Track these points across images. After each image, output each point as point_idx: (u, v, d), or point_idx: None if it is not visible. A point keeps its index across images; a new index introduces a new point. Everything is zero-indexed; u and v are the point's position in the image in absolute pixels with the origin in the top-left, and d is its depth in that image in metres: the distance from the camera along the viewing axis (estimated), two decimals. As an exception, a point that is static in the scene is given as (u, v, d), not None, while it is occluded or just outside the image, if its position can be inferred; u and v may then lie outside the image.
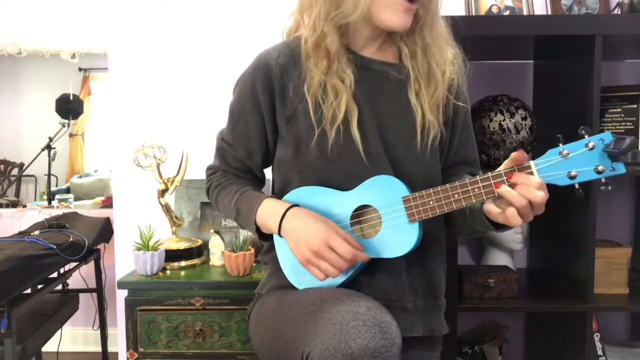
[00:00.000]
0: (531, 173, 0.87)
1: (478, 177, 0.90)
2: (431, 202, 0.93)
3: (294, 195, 1.02)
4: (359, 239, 0.97)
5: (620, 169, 0.82)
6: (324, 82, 0.99)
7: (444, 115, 1.04)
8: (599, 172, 0.83)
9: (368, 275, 1.00)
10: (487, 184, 0.89)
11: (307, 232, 0.93)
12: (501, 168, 0.90)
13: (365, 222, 1.00)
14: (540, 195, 0.85)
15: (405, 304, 1.02)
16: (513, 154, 0.87)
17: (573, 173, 0.84)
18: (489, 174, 0.90)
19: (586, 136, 0.84)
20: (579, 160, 0.84)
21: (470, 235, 1.19)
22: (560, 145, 0.85)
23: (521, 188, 0.86)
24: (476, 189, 0.90)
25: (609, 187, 0.83)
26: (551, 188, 0.87)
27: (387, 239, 0.96)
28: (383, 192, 0.96)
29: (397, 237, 0.95)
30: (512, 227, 0.91)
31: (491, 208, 0.91)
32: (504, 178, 0.88)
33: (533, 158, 0.88)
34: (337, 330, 0.80)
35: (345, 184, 1.00)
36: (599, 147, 0.82)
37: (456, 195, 0.91)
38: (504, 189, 0.86)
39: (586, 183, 0.85)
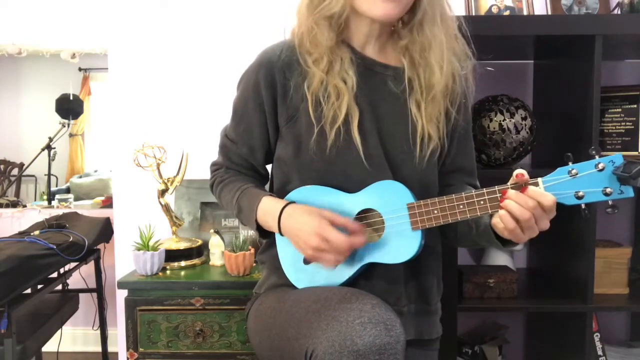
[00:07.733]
0: None
1: (484, 190, 0.89)
2: (435, 212, 0.92)
3: (299, 194, 1.02)
4: None
5: (629, 192, 0.81)
6: (325, 81, 0.98)
7: (444, 126, 1.03)
8: (606, 194, 0.82)
9: (365, 280, 1.00)
10: (493, 197, 0.88)
11: (302, 230, 0.93)
12: (508, 184, 0.88)
13: (368, 226, 0.99)
14: (550, 200, 0.83)
15: (400, 307, 1.02)
16: (515, 175, 0.86)
17: (580, 193, 0.83)
18: (496, 187, 0.88)
19: (596, 157, 0.82)
20: (587, 180, 0.83)
21: (470, 247, 1.17)
22: (570, 164, 0.84)
23: (521, 198, 0.84)
24: (482, 202, 0.89)
25: (616, 210, 0.82)
26: (557, 206, 0.86)
27: (388, 244, 0.95)
28: (388, 198, 0.95)
29: (398, 244, 0.95)
30: (517, 242, 0.89)
31: (497, 221, 0.89)
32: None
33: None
34: (342, 328, 0.80)
35: (344, 185, 0.99)
36: (608, 168, 0.81)
37: (461, 207, 0.90)
38: (508, 201, 0.85)
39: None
